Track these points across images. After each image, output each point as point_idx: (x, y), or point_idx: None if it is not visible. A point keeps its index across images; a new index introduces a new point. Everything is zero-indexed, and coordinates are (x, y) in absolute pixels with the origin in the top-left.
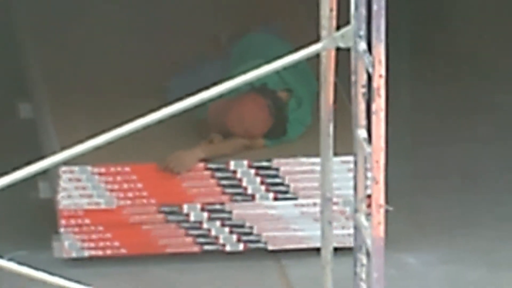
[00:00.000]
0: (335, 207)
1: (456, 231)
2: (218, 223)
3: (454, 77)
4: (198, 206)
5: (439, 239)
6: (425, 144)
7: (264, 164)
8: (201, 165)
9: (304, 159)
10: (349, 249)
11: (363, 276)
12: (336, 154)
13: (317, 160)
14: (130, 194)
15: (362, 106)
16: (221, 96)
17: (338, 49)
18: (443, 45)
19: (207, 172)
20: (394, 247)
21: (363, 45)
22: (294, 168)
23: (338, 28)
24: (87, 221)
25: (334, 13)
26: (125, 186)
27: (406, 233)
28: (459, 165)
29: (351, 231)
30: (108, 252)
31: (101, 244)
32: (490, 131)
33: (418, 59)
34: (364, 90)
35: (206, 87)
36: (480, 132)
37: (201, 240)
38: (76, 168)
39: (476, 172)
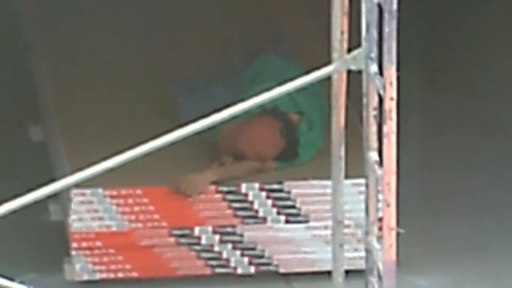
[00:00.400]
0: (346, 230)
1: (467, 253)
2: (229, 245)
3: (466, 99)
4: (210, 228)
5: (450, 262)
6: (436, 166)
7: (276, 186)
8: (213, 187)
9: (315, 182)
10: (361, 271)
11: None
12: (347, 176)
13: (328, 183)
14: (141, 217)
15: (373, 129)
16: (233, 118)
17: (349, 72)
18: (454, 67)
19: (219, 195)
20: (405, 269)
21: (374, 68)
22: (306, 191)
23: (350, 50)
24: (98, 243)
25: (346, 35)
26: (137, 209)
27: (417, 256)
28: (469, 188)
29: (363, 253)
30: (120, 275)
31: (113, 267)
32: (500, 153)
33: (431, 81)
34: (375, 112)
35: (218, 109)
36: (489, 154)
37: (213, 262)
38: (87, 191)
39: (486, 193)
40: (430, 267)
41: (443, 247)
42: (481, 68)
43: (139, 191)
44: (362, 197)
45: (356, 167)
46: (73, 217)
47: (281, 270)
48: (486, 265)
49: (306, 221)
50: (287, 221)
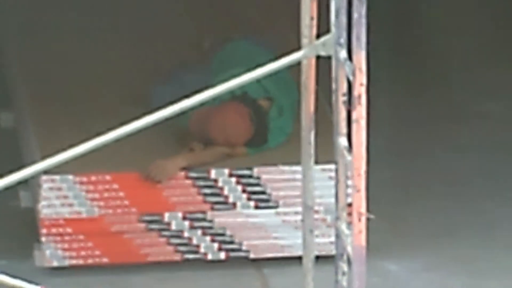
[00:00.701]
0: (316, 216)
1: (439, 239)
2: (199, 231)
3: (436, 85)
4: (180, 214)
5: (421, 247)
6: (406, 152)
7: (245, 172)
8: (182, 173)
9: (285, 168)
10: (331, 257)
11: (345, 284)
12: (317, 162)
13: (298, 168)
14: (111, 203)
15: (343, 114)
16: (202, 104)
17: (319, 57)
18: (426, 53)
19: (188, 181)
20: (376, 255)
21: (343, 53)
22: (275, 177)
23: (319, 36)
24: (68, 230)
25: (315, 21)
26: (106, 195)
27: (388, 241)
28: (440, 173)
29: (333, 239)
30: (90, 261)
31: (83, 253)
32: (471, 139)
33: (399, 67)
34: (344, 98)
35: (188, 95)
36: (461, 140)
37: (183, 248)
38: (57, 177)
39: (458, 180)
40: (401, 252)
41: (414, 233)
42: (452, 54)
43: (108, 177)
44: (332, 182)
45: (326, 152)
46: (43, 203)
47: (252, 256)
48: (458, 250)
49: (276, 207)
50: (257, 207)
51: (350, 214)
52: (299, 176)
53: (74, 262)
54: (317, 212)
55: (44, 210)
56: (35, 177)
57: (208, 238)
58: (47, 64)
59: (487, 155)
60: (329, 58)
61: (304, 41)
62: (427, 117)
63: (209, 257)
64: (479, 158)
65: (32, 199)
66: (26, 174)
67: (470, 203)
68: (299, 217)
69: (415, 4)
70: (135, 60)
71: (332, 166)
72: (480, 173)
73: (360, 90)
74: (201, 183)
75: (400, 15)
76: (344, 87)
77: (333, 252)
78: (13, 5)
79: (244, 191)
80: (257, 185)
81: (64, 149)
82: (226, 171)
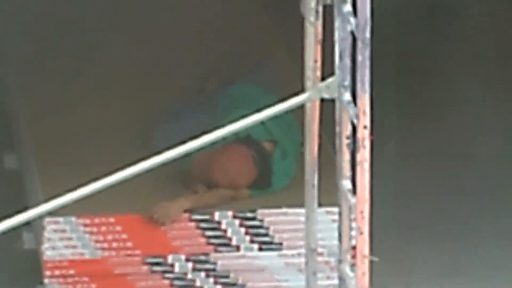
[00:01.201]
0: (319, 258)
1: (441, 280)
2: (202, 274)
3: (439, 127)
4: (183, 257)
5: None
6: (410, 194)
7: (249, 215)
8: (186, 215)
9: (288, 210)
10: None
11: None
12: (320, 205)
13: (301, 211)
14: (114, 245)
15: (346, 157)
16: (206, 146)
17: (322, 100)
18: (428, 95)
19: (192, 223)
20: None
21: (347, 96)
22: (279, 219)
23: (323, 79)
24: (71, 271)
25: (319, 64)
26: (110, 237)
27: (391, 284)
28: (444, 214)
29: (336, 281)
30: None
31: None
32: (474, 179)
33: (404, 109)
34: (348, 141)
35: (191, 137)
36: (464, 179)
37: None
38: (60, 219)
39: (461, 220)
40: None
41: (417, 275)
42: (454, 98)
43: (112, 219)
44: (336, 225)
45: (329, 195)
46: (46, 245)
47: None
48: None
49: (280, 249)
50: (260, 249)
51: (353, 256)
52: (302, 218)
53: None
54: (320, 254)
55: (48, 252)
56: (38, 219)
57: (211, 280)
58: (50, 106)
59: (490, 196)
60: (333, 101)
61: (308, 83)
62: (430, 156)
63: None
64: (482, 199)
65: (35, 241)
66: (29, 216)
67: (474, 244)
68: (302, 260)
69: (419, 43)
70: (137, 101)
71: (336, 209)
72: (483, 213)
73: (364, 133)
74: (205, 225)
75: (404, 56)
76: (348, 130)
77: None
78: (17, 45)
79: (247, 233)
80: (261, 227)
81: (67, 191)
82: (230, 213)
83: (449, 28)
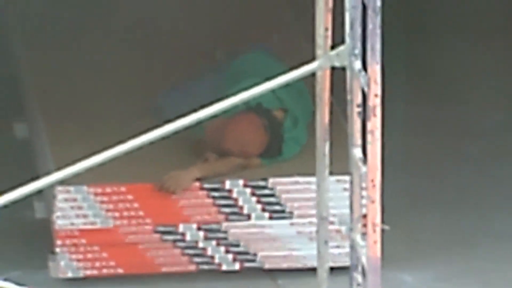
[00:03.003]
0: (331, 227)
1: (452, 249)
2: (213, 242)
3: (451, 95)
4: (194, 225)
5: (435, 258)
6: (420, 163)
7: (260, 183)
8: (197, 184)
9: (299, 179)
10: (345, 268)
11: None
12: (331, 173)
13: (312, 179)
14: (125, 214)
15: (357, 125)
16: (216, 115)
17: (333, 68)
18: (439, 64)
19: (203, 192)
20: (390, 265)
21: (358, 64)
22: (290, 187)
23: (333, 47)
24: (83, 241)
25: (329, 32)
26: (121, 206)
27: (402, 252)
28: (454, 185)
29: (347, 250)
30: (104, 271)
31: (97, 264)
32: (485, 151)
33: (414, 77)
34: (359, 109)
35: (200, 106)
36: (474, 152)
37: (197, 259)
38: (71, 188)
39: (471, 191)
40: (416, 263)
41: (428, 244)
42: (467, 66)
43: (123, 188)
44: (347, 193)
45: (340, 163)
46: (57, 214)
47: (266, 267)
48: (472, 261)
49: (291, 218)
50: (271, 218)
51: (364, 225)
52: (313, 187)
53: (88, 272)
54: (331, 223)
55: (59, 221)
56: (49, 188)
57: (222, 248)
58: (61, 75)
59: (501, 167)
60: (343, 69)
61: (319, 52)
62: (441, 128)
63: (224, 267)
64: (493, 169)
65: (46, 210)
66: (40, 185)
67: (483, 214)
68: (313, 228)
69: (428, 18)
70: (148, 71)
71: (347, 177)
72: (493, 184)
73: (375, 101)
74: (216, 194)
75: (413, 26)
76: (359, 98)
77: (348, 263)
78: (27, 17)
79: (258, 202)
80: (272, 196)
81: (78, 160)
82: (241, 182)
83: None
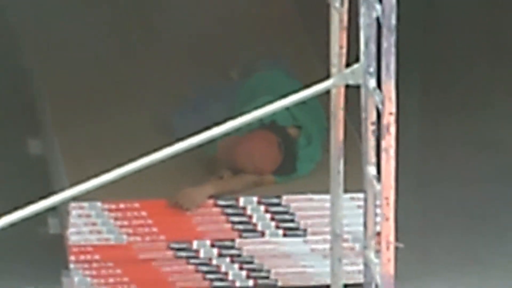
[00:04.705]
0: (344, 244)
1: (467, 268)
2: (227, 259)
3: (465, 115)
4: (208, 242)
5: (449, 276)
6: (434, 182)
7: (274, 200)
8: (211, 201)
9: (314, 196)
10: (359, 285)
11: None
12: (346, 191)
13: (327, 197)
14: (139, 230)
15: (371, 143)
16: (231, 132)
17: (348, 86)
18: (454, 82)
19: (217, 209)
20: (404, 283)
21: (372, 82)
22: (304, 205)
23: (348, 65)
24: (96, 257)
25: (344, 50)
26: (135, 222)
27: (415, 270)
28: (467, 203)
29: (361, 267)
30: None
31: (111, 280)
32: (499, 169)
33: (428, 96)
34: (373, 127)
35: (215, 123)
36: (488, 169)
37: (211, 276)
38: (85, 204)
39: (484, 209)
40: (429, 281)
41: (443, 262)
42: (480, 85)
43: (137, 205)
44: (361, 211)
45: (354, 181)
46: (71, 230)
47: (280, 284)
48: (485, 280)
49: (305, 235)
50: (285, 235)
51: (378, 242)
52: (327, 204)
53: None
54: (345, 240)
55: (73, 237)
56: (63, 204)
57: (236, 266)
58: (75, 91)
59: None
60: (358, 87)
61: (333, 70)
62: (456, 144)
63: (237, 284)
64: (508, 186)
65: (60, 226)
66: (54, 201)
67: (499, 233)
68: (327, 246)
69: (444, 30)
70: (162, 87)
71: (361, 195)
72: (508, 202)
73: (389, 119)
74: (230, 211)
75: (428, 42)
76: (373, 116)
77: (362, 281)
78: (44, 33)
79: (272, 219)
80: (286, 213)
81: (92, 177)
82: (255, 199)
83: (476, 13)
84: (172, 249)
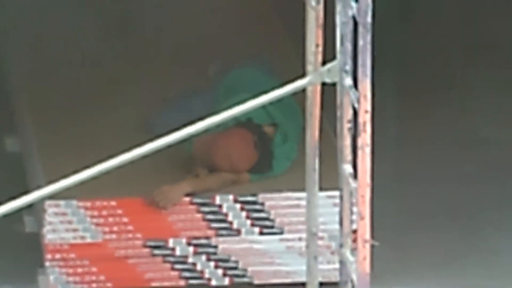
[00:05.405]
0: (320, 242)
1: (443, 266)
2: (203, 257)
3: (440, 112)
4: (184, 240)
5: (424, 275)
6: (410, 179)
7: (250, 198)
8: (187, 199)
9: (289, 194)
10: (335, 284)
11: None
12: (321, 189)
13: (302, 194)
14: (115, 228)
15: (347, 141)
16: (207, 130)
17: (324, 84)
18: (429, 80)
19: (193, 207)
20: (380, 282)
21: (348, 80)
22: (280, 203)
23: (324, 63)
24: (72, 255)
25: (320, 48)
26: (111, 220)
27: (391, 269)
28: (444, 202)
29: (337, 266)
30: (94, 286)
31: (87, 278)
32: (476, 166)
33: (405, 94)
34: (349, 125)
35: (192, 121)
36: (466, 167)
37: (187, 274)
38: (61, 202)
39: (462, 207)
40: (405, 280)
41: (417, 260)
42: (458, 83)
43: (113, 203)
44: (336, 209)
45: (330, 179)
46: (47, 228)
47: (256, 282)
48: (462, 278)
49: (280, 233)
50: (261, 233)
51: (354, 241)
52: (303, 202)
53: (78, 287)
54: (321, 238)
55: (49, 235)
56: (39, 202)
57: (212, 263)
58: (52, 89)
59: (492, 183)
60: (334, 85)
61: (309, 68)
62: (432, 143)
63: (213, 282)
64: (484, 185)
65: (36, 224)
66: (30, 199)
67: (474, 231)
68: (303, 244)
69: (420, 28)
70: (142, 87)
71: (337, 193)
72: (484, 201)
73: (365, 117)
74: (206, 209)
75: (404, 40)
76: (349, 114)
77: (338, 279)
78: (20, 30)
79: (248, 217)
80: (262, 211)
81: (68, 175)
82: (231, 197)
83: (452, 11)
84: (148, 247)
